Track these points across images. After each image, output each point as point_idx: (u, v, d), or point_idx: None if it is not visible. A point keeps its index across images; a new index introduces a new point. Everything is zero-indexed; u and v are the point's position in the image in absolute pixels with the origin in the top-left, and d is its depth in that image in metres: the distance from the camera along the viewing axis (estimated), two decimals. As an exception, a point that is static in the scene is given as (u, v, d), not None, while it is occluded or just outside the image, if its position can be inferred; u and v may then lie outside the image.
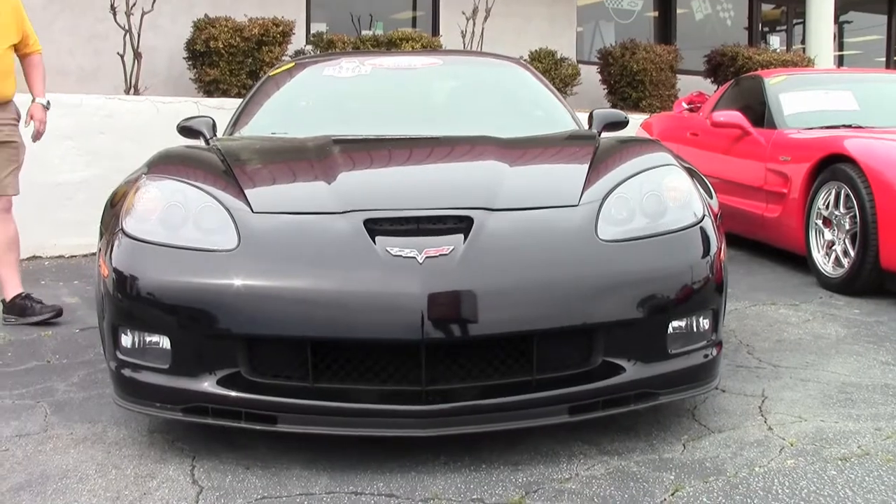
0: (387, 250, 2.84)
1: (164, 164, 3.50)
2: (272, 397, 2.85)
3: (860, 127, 6.15)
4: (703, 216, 3.16)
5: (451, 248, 2.84)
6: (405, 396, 2.82)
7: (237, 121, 4.73)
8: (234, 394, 2.87)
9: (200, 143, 4.40)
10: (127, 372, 3.02)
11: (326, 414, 2.82)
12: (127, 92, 8.13)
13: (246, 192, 3.16)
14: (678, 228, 3.07)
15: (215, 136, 4.55)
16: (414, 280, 2.76)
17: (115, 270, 3.00)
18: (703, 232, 3.11)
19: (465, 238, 2.88)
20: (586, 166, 3.36)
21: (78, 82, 8.80)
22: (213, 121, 4.68)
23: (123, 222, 3.12)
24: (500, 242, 2.91)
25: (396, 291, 2.75)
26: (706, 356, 3.07)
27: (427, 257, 2.80)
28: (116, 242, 3.08)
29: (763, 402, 3.41)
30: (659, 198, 3.16)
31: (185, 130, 4.60)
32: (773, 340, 4.31)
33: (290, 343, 2.86)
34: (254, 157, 3.67)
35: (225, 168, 3.38)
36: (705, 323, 3.06)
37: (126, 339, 3.01)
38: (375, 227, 2.95)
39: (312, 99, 4.96)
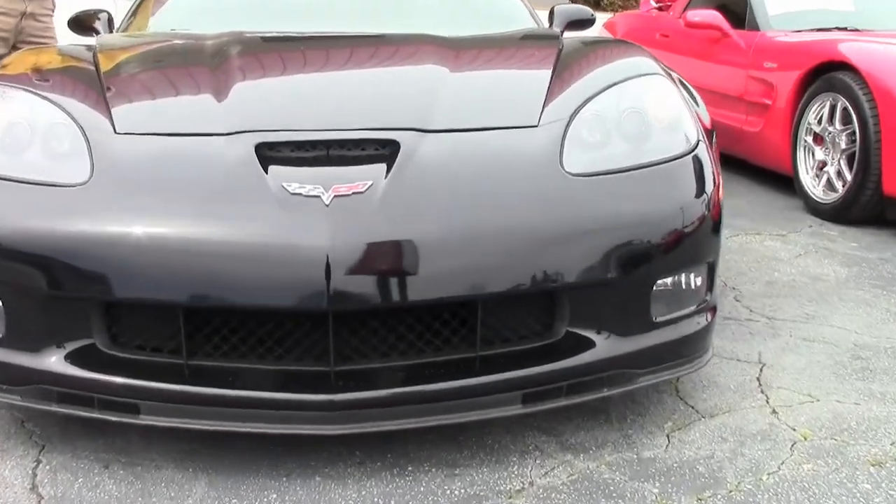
0: (283, 186, 2.11)
1: (18, 69, 2.72)
2: (134, 380, 2.15)
3: (856, 30, 5.42)
4: (698, 141, 2.45)
5: (369, 183, 2.12)
6: (307, 380, 2.13)
7: (135, 12, 3.91)
8: (85, 373, 2.16)
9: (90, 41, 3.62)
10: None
11: (203, 403, 2.13)
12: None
13: (112, 107, 2.40)
14: (667, 158, 2.36)
15: (112, 32, 3.77)
16: (317, 227, 2.04)
17: None
18: (698, 161, 2.41)
19: (389, 170, 2.16)
20: (548, 74, 2.62)
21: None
22: (110, 14, 3.89)
23: None
24: (434, 176, 2.19)
25: (293, 243, 2.03)
26: (699, 324, 2.40)
27: (336, 196, 2.08)
28: None
29: (761, 370, 2.77)
30: (642, 116, 2.44)
31: (76, 25, 3.82)
32: (762, 282, 3.65)
33: (157, 308, 2.16)
34: (134, 61, 2.86)
35: (94, 76, 2.60)
36: (697, 280, 2.38)
37: None
38: (270, 153, 2.21)
39: None
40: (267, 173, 2.14)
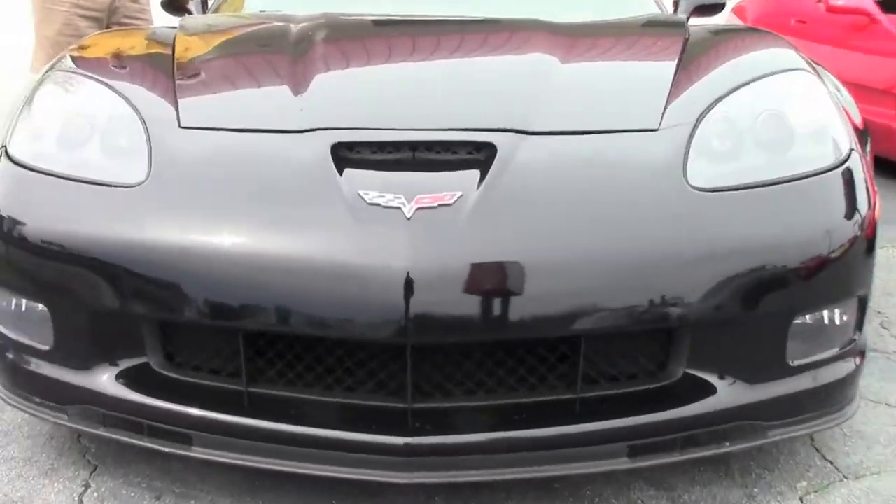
0: (359, 194, 1.83)
1: (94, 52, 2.51)
2: (188, 407, 1.91)
3: None
4: (850, 150, 2.07)
5: (458, 193, 1.82)
6: (381, 418, 1.86)
7: None
8: (136, 396, 1.95)
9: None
10: (5, 349, 2.11)
11: (263, 439, 1.88)
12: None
13: (179, 98, 2.16)
14: (812, 171, 1.99)
15: (205, 13, 3.56)
16: (396, 244, 1.76)
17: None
18: (849, 174, 2.03)
19: (482, 178, 1.86)
20: (671, 68, 2.27)
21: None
22: None
23: (10, 138, 2.17)
24: (535, 187, 1.88)
25: (367, 263, 1.76)
26: (844, 370, 2.03)
27: (419, 208, 1.80)
28: None
29: (916, 418, 2.37)
30: (782, 120, 2.08)
31: (169, 5, 3.61)
32: (913, 305, 3.22)
33: (215, 327, 1.91)
34: (211, 47, 2.61)
35: (169, 63, 2.37)
36: (844, 317, 2.01)
37: (3, 302, 2.09)
38: (348, 155, 1.94)
39: None
40: (342, 177, 1.87)
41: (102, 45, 2.65)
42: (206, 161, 1.99)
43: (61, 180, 2.02)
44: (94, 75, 2.28)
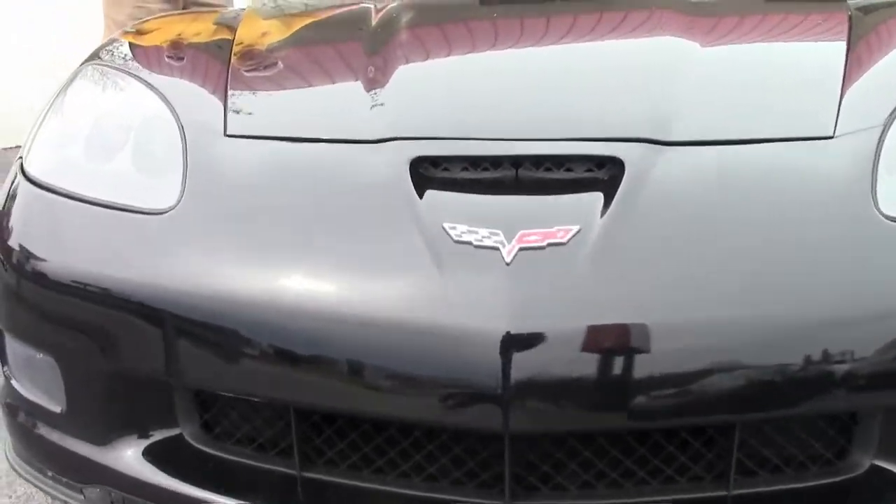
0: (444, 228, 1.40)
1: (134, 41, 2.13)
2: (229, 498, 1.51)
3: None
4: None
5: (575, 228, 1.38)
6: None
7: None
8: (164, 479, 1.55)
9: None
10: (15, 410, 1.75)
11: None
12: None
13: (229, 98, 1.76)
14: None
15: None
16: (490, 299, 1.33)
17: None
18: None
19: (606, 204, 1.41)
20: (840, 55, 1.77)
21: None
22: None
23: (28, 149, 1.81)
24: (676, 217, 1.43)
25: (451, 323, 1.33)
26: None
27: (522, 248, 1.36)
28: (12, 186, 1.76)
29: None
30: None
31: None
32: None
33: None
34: (277, 35, 2.19)
35: (224, 54, 1.97)
36: None
37: (11, 351, 1.73)
38: (431, 172, 1.51)
39: None
40: (422, 201, 1.44)
41: (154, 31, 2.27)
42: (251, 180, 1.58)
43: (80, 204, 1.64)
44: (131, 69, 1.90)
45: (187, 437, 1.56)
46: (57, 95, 1.90)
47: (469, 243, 1.38)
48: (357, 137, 1.61)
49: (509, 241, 1.37)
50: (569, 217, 1.40)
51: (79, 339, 1.57)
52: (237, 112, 1.73)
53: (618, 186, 1.43)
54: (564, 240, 1.37)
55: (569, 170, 1.50)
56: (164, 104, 1.75)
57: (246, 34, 2.09)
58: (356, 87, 1.76)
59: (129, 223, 1.57)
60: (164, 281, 1.47)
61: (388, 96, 1.70)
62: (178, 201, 1.56)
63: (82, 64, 1.97)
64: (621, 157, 1.48)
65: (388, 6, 2.18)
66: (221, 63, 1.91)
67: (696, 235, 1.40)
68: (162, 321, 1.48)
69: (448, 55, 2.01)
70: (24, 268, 1.63)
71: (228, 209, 1.54)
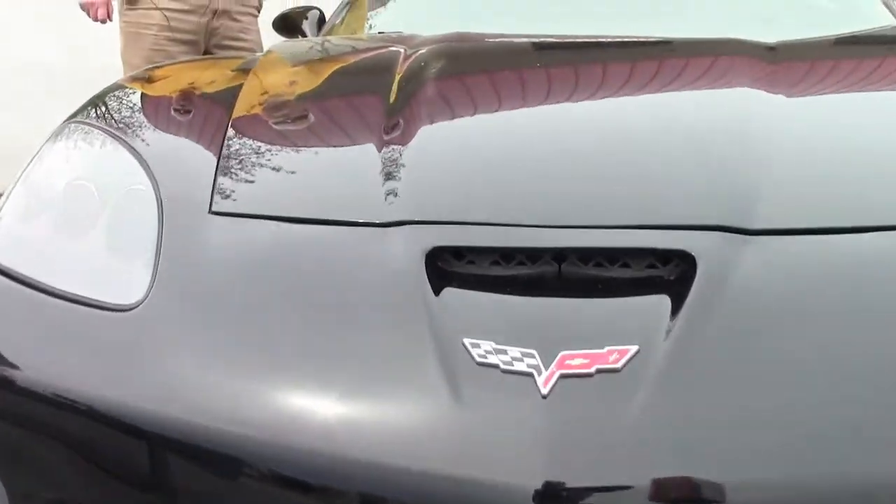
0: (464, 345, 1.09)
1: (128, 94, 1.86)
2: None
3: None
4: None
5: (632, 350, 1.06)
6: None
7: (351, 3, 2.98)
8: None
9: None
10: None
11: None
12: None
13: (223, 164, 1.48)
14: None
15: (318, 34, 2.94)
16: (520, 444, 1.02)
17: None
18: None
19: (674, 313, 1.10)
20: None
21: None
22: (321, 13, 3.10)
23: None
24: (765, 332, 1.10)
25: (470, 476, 1.02)
26: None
27: (563, 375, 1.05)
28: None
29: None
30: None
31: (282, 26, 3.03)
32: None
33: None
34: (290, 87, 1.90)
35: (225, 110, 1.68)
36: None
37: None
38: (451, 266, 1.21)
39: None
40: (438, 303, 1.14)
41: (164, 79, 2.03)
42: (232, 271, 1.29)
43: (34, 293, 1.36)
44: (116, 130, 1.63)
45: None
46: (31, 159, 1.64)
47: (495, 367, 1.07)
48: (364, 219, 1.31)
49: (547, 366, 1.06)
50: (624, 333, 1.09)
51: (20, 462, 1.29)
52: (227, 184, 1.44)
53: (688, 290, 1.12)
54: (618, 365, 1.06)
55: (625, 266, 1.19)
56: (145, 173, 1.47)
57: (253, 87, 1.80)
58: (369, 154, 1.46)
59: (88, 321, 1.29)
60: (117, 398, 1.19)
61: (404, 168, 1.40)
62: (145, 296, 1.27)
63: (66, 120, 1.70)
64: (692, 251, 1.16)
65: (419, 51, 1.89)
66: (220, 122, 1.63)
67: (791, 360, 1.08)
68: (113, 447, 1.19)
69: (480, 116, 1.69)
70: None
71: (200, 308, 1.25)
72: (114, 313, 1.27)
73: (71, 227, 1.46)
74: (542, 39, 2.09)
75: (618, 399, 1.03)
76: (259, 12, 3.57)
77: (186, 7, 3.28)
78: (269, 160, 1.53)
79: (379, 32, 2.63)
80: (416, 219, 1.28)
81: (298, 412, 1.11)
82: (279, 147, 1.58)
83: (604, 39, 2.06)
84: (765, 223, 1.21)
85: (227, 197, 1.41)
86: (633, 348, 1.07)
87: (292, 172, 1.50)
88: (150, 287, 1.28)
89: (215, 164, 1.48)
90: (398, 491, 1.04)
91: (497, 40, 2.14)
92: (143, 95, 1.84)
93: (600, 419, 1.02)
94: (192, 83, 1.93)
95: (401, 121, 1.54)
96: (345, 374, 1.13)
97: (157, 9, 3.25)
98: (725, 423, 1.03)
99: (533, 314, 1.15)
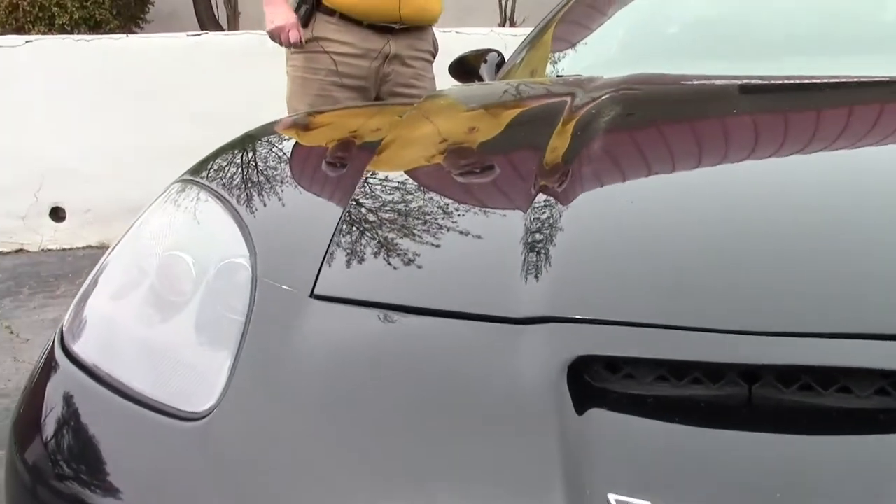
0: (617, 502, 0.78)
1: (262, 145, 1.65)
2: None
3: None
4: None
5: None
6: None
7: (532, 44, 2.68)
8: None
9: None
10: None
11: None
12: (502, 24, 6.66)
13: (337, 238, 1.22)
14: None
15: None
16: None
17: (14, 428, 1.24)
18: None
19: None
20: None
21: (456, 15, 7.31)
22: (501, 56, 2.84)
23: (74, 308, 1.34)
24: None
25: None
26: None
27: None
28: (46, 354, 1.30)
29: None
30: None
31: (459, 70, 2.83)
32: None
33: None
34: (437, 143, 1.61)
35: (355, 171, 1.43)
36: None
37: None
38: (601, 381, 0.90)
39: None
40: (582, 435, 0.83)
41: (321, 126, 1.83)
42: (329, 369, 1.03)
43: (109, 394, 1.14)
44: (225, 191, 1.40)
45: None
46: (132, 223, 1.44)
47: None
48: (495, 312, 1.02)
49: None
50: (827, 494, 0.75)
51: None
52: (340, 260, 1.18)
53: None
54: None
55: (845, 390, 0.84)
56: (244, 245, 1.24)
57: (394, 142, 1.55)
58: (512, 231, 1.16)
59: (154, 430, 1.06)
60: None
61: (554, 250, 1.09)
62: (218, 401, 1.03)
63: (176, 180, 1.50)
64: None
65: (591, 98, 1.58)
66: (350, 182, 1.38)
67: None
68: None
69: (656, 181, 1.35)
70: (39, 476, 1.15)
71: (282, 415, 0.99)
72: (182, 422, 1.03)
73: (158, 308, 1.24)
74: (745, 81, 1.74)
75: None
76: (434, 57, 3.35)
77: (356, 51, 3.09)
78: (393, 232, 1.25)
79: (558, 76, 2.34)
80: (562, 315, 0.97)
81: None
82: (404, 217, 1.30)
83: (819, 80, 1.70)
84: None
85: (336, 278, 1.15)
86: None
87: (414, 250, 1.21)
88: (224, 391, 1.04)
89: (332, 233, 1.23)
90: None
91: (686, 83, 1.80)
92: (273, 146, 1.62)
93: None
94: (356, 131, 1.70)
95: (554, 188, 1.24)
96: None
97: (325, 52, 3.08)
98: None
99: (713, 458, 0.82)
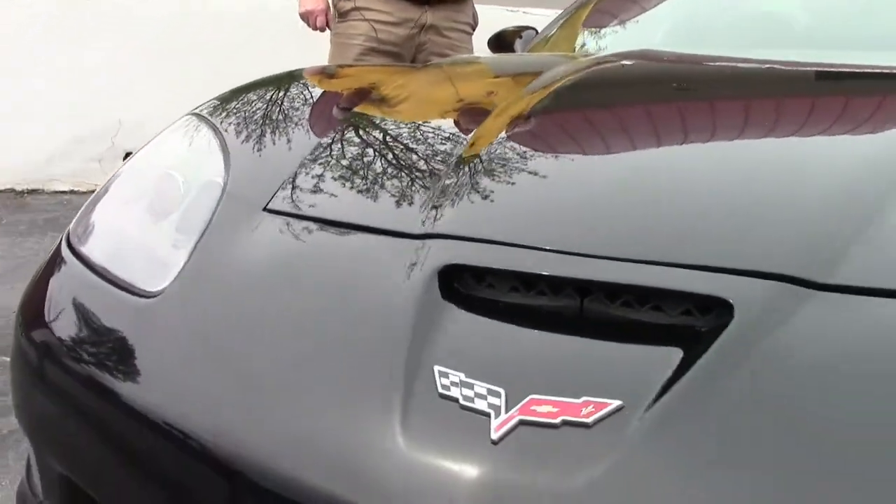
0: (434, 371, 0.96)
1: (277, 89, 1.86)
2: None
3: None
4: None
5: (613, 405, 0.88)
6: None
7: (565, 22, 2.81)
8: None
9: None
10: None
11: None
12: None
13: (301, 166, 1.44)
14: None
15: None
16: (453, 496, 0.86)
17: (21, 311, 1.48)
18: None
19: (683, 370, 0.90)
20: None
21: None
22: (537, 32, 2.95)
23: (82, 213, 1.59)
24: (797, 415, 0.87)
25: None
26: None
27: (522, 422, 0.89)
28: (51, 256, 1.54)
29: None
30: None
31: (497, 44, 2.96)
32: None
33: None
34: (423, 96, 1.83)
35: (340, 115, 1.67)
36: None
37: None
38: (467, 288, 1.08)
39: None
40: (434, 320, 1.02)
41: (346, 77, 2.02)
42: (258, 266, 1.23)
43: (100, 281, 1.36)
44: (222, 124, 1.62)
45: None
46: (142, 146, 1.67)
47: (455, 400, 0.93)
48: (399, 229, 1.20)
49: (509, 409, 0.90)
50: (614, 385, 0.91)
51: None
52: (297, 184, 1.38)
53: (709, 347, 0.91)
54: (588, 420, 0.88)
55: (657, 309, 1.00)
56: (223, 167, 1.45)
57: (389, 92, 1.76)
58: (441, 170, 1.35)
59: (122, 306, 1.28)
60: (111, 382, 1.17)
61: (461, 186, 1.27)
62: (169, 284, 1.24)
63: (185, 114, 1.72)
64: (731, 299, 0.95)
65: (575, 69, 1.74)
66: (325, 124, 1.59)
67: (808, 452, 0.85)
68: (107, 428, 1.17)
69: (570, 145, 1.50)
70: (42, 351, 1.38)
71: (207, 303, 1.20)
72: (140, 299, 1.25)
73: (151, 215, 1.47)
74: (738, 65, 1.86)
75: (575, 462, 0.85)
76: (473, 30, 3.53)
77: (393, 19, 3.29)
78: (347, 164, 1.45)
79: (579, 51, 2.47)
80: (446, 233, 1.15)
81: (249, 422, 1.03)
82: (363, 153, 1.49)
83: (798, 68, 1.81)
84: (841, 279, 0.97)
85: (289, 197, 1.35)
86: (615, 404, 0.89)
87: (364, 178, 1.40)
88: (177, 276, 1.25)
89: (295, 164, 1.43)
90: None
91: (670, 63, 1.93)
92: (285, 89, 1.83)
93: (544, 483, 0.85)
94: (375, 83, 1.90)
95: (488, 141, 1.41)
96: (314, 389, 1.03)
97: (365, 20, 3.29)
98: None
99: (523, 349, 0.99)
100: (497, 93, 1.82)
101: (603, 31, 2.56)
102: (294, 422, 1.00)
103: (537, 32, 3.00)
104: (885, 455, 0.83)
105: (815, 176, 1.22)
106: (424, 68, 2.03)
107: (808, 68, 1.80)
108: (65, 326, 1.33)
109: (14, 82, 4.95)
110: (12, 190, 4.99)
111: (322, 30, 3.42)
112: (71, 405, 1.28)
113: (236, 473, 1.01)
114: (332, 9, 3.41)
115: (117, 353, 1.23)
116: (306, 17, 3.42)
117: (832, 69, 1.76)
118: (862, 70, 1.75)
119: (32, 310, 1.44)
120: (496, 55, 2.70)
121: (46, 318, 1.39)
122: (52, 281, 1.45)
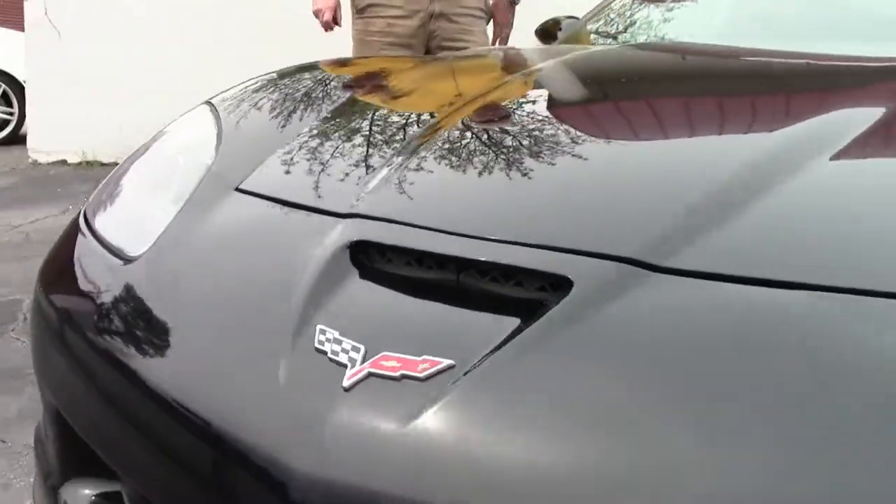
0: (318, 329, 1.15)
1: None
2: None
3: None
4: None
5: (444, 364, 1.04)
6: None
7: (601, 12, 2.92)
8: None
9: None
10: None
11: None
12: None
13: (279, 151, 1.64)
14: None
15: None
16: (307, 433, 1.05)
17: (42, 273, 1.73)
18: None
19: (509, 338, 1.06)
20: None
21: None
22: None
23: (100, 188, 1.83)
24: (605, 382, 1.00)
25: (261, 449, 1.07)
26: None
27: (372, 374, 1.06)
28: (71, 224, 1.79)
29: None
30: None
31: (542, 35, 3.07)
32: None
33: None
34: (391, 87, 2.01)
35: (333, 104, 1.86)
36: None
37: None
38: (372, 262, 1.26)
39: None
40: (332, 288, 1.21)
41: (332, 68, 2.20)
42: (208, 241, 1.44)
43: (101, 249, 1.60)
44: (228, 112, 1.84)
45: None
46: (158, 133, 1.90)
47: (324, 353, 1.10)
48: (329, 209, 1.38)
49: (364, 362, 1.07)
50: (453, 346, 1.06)
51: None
52: (271, 166, 1.58)
53: (542, 316, 1.06)
54: (422, 375, 1.04)
55: (519, 285, 1.14)
56: (214, 150, 1.66)
57: (386, 81, 1.94)
58: (397, 150, 1.52)
59: (110, 269, 1.50)
60: (95, 337, 1.39)
61: (402, 170, 1.44)
62: (146, 250, 1.46)
63: (199, 103, 1.94)
64: (571, 277, 1.09)
65: (541, 69, 1.88)
66: (315, 114, 1.78)
67: (600, 416, 0.98)
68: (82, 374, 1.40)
69: (523, 131, 1.62)
70: (54, 312, 1.61)
71: (164, 273, 1.41)
72: (124, 265, 1.47)
73: (153, 191, 1.68)
74: (747, 59, 1.96)
75: (406, 409, 1.02)
76: (484, 14, 3.65)
77: (404, 12, 3.46)
78: (317, 150, 1.63)
79: (602, 41, 2.59)
80: (364, 213, 1.32)
81: (174, 367, 1.23)
82: (337, 140, 1.67)
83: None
84: (680, 263, 1.09)
85: (258, 179, 1.54)
86: (447, 362, 1.04)
87: (323, 163, 1.58)
88: (153, 243, 1.46)
89: (274, 148, 1.62)
90: (195, 446, 1.12)
91: (674, 54, 2.04)
92: (290, 82, 2.02)
93: (378, 426, 1.02)
94: (383, 70, 2.08)
95: (446, 124, 1.57)
96: (224, 342, 1.23)
97: (379, 17, 3.47)
98: (484, 459, 0.97)
99: (394, 314, 1.15)
100: (479, 81, 1.98)
101: (626, 19, 2.67)
102: (204, 365, 1.21)
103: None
104: (670, 419, 0.95)
105: (703, 167, 1.34)
106: (433, 60, 2.19)
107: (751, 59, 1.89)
108: (66, 286, 1.57)
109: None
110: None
111: (329, 27, 3.62)
112: (65, 354, 1.50)
113: (166, 406, 1.21)
114: (350, 5, 3.59)
115: (103, 309, 1.44)
116: (316, 14, 3.63)
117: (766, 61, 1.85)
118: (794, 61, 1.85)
119: (47, 272, 1.68)
120: (510, 48, 2.83)
121: (56, 279, 1.63)
122: (65, 247, 1.69)
